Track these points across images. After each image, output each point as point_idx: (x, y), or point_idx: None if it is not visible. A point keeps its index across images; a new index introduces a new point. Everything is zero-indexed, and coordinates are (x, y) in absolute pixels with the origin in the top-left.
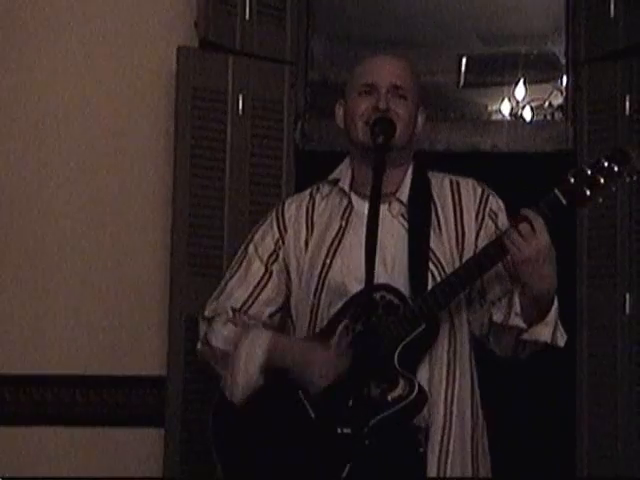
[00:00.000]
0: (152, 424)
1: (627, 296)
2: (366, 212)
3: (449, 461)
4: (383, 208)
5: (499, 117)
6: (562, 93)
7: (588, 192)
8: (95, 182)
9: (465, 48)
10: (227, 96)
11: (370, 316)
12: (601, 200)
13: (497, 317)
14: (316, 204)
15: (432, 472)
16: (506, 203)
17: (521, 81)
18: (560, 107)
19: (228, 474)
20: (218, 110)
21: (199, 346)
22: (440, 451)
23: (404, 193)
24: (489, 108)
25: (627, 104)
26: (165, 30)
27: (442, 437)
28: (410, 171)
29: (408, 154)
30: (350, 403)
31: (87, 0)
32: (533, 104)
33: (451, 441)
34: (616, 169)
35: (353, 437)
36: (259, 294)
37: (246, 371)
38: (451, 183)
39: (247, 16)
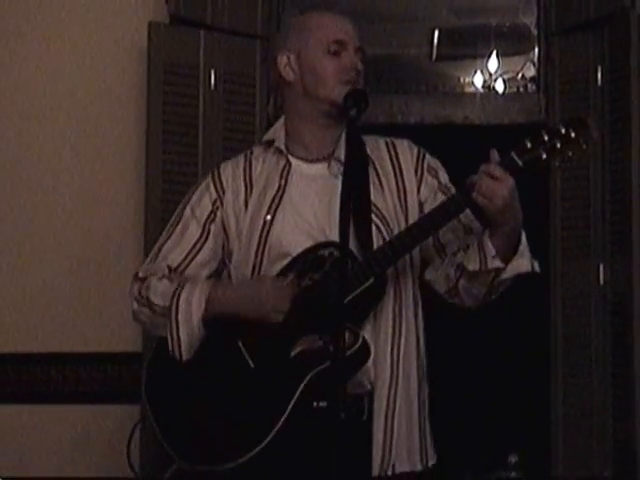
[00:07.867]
0: (129, 400)
1: (601, 266)
2: (304, 171)
3: (395, 424)
4: (323, 167)
5: (472, 89)
6: (534, 65)
7: (544, 156)
8: (66, 158)
9: (437, 21)
10: (199, 71)
11: (316, 271)
12: (557, 164)
13: (472, 266)
14: (253, 165)
15: (378, 437)
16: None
17: (493, 53)
18: (532, 79)
19: (161, 425)
20: (190, 85)
21: (135, 306)
22: (386, 415)
23: (341, 153)
24: (462, 80)
25: (599, 75)
26: (136, 5)
27: (388, 399)
28: (344, 133)
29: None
30: (291, 354)
31: None
32: (505, 76)
33: (397, 403)
34: (573, 135)
35: (329, 410)
36: (196, 255)
37: (188, 324)
38: (387, 144)
39: None
